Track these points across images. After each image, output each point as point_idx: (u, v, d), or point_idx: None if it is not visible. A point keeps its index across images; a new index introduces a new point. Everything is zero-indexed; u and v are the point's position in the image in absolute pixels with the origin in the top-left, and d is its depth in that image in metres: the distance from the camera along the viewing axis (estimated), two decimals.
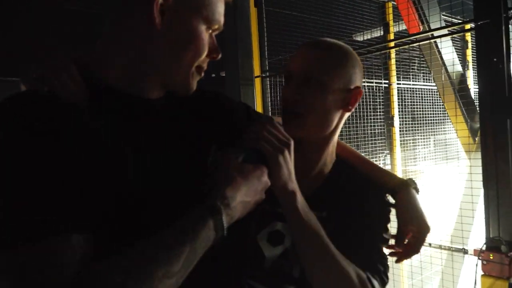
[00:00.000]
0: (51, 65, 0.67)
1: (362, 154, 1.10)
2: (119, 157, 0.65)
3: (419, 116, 4.27)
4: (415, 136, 4.26)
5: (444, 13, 3.03)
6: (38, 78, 0.64)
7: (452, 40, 3.23)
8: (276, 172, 0.76)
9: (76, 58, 0.70)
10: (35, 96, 0.63)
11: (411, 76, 4.19)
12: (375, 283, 0.83)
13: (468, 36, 4.43)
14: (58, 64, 0.67)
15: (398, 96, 3.92)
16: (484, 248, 1.81)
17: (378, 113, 3.83)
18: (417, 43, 2.86)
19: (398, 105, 3.89)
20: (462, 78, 3.21)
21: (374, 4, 3.82)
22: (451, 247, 2.21)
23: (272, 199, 0.77)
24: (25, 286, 0.54)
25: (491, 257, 1.78)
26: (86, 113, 0.65)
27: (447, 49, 3.02)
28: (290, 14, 3.30)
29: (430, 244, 2.25)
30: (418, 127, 4.28)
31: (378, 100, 3.83)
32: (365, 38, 3.74)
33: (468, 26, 2.23)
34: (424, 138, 4.38)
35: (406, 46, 3.14)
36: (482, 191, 2.31)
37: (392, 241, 0.96)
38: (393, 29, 3.74)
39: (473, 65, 4.43)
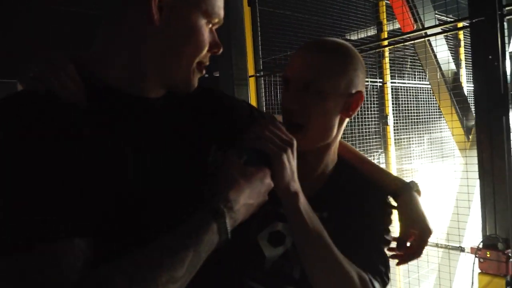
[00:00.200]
0: (49, 65, 0.65)
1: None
2: (119, 157, 0.65)
3: (413, 114, 4.28)
4: (410, 134, 4.27)
5: (437, 12, 3.04)
6: (36, 78, 0.63)
7: (445, 38, 3.24)
8: (279, 172, 0.74)
9: (74, 58, 0.69)
10: (34, 96, 0.62)
11: (406, 74, 4.20)
12: (376, 284, 0.82)
13: (461, 35, 4.45)
14: (56, 64, 0.66)
15: (392, 94, 3.93)
16: (481, 246, 1.81)
17: (373, 112, 3.84)
18: (411, 42, 2.86)
19: (392, 103, 3.90)
20: (456, 76, 3.23)
21: (368, 3, 3.82)
22: (448, 245, 2.21)
23: (273, 199, 0.76)
24: None
25: (488, 255, 1.78)
26: (85, 113, 0.64)
27: (440, 47, 3.03)
28: (283, 13, 3.29)
29: None
30: (412, 125, 4.29)
31: (372, 99, 3.83)
32: (359, 37, 3.74)
33: (460, 24, 2.24)
34: (418, 137, 4.39)
35: (400, 45, 3.15)
36: (476, 189, 2.32)
37: (393, 244, 0.95)
38: (386, 27, 3.74)
39: (466, 63, 4.46)
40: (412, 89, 4.31)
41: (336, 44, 0.91)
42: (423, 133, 4.44)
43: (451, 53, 3.50)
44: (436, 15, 3.04)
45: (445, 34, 3.23)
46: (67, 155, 0.58)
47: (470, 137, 3.01)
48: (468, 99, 3.20)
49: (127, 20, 0.68)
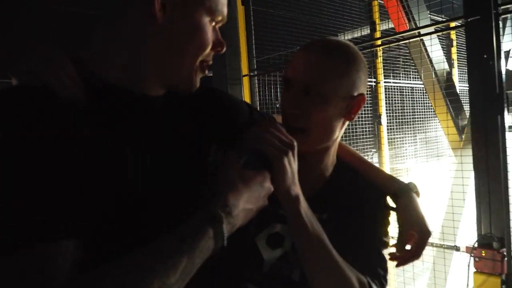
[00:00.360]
0: (48, 64, 0.63)
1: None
2: (119, 157, 0.63)
3: (406, 114, 4.30)
4: (403, 134, 4.29)
5: (430, 12, 3.05)
6: (31, 73, 0.61)
7: (437, 38, 3.25)
8: (280, 176, 0.73)
9: (74, 57, 0.68)
10: (31, 93, 0.60)
11: (401, 74, 4.21)
12: None
13: (453, 35, 4.48)
14: (56, 63, 0.64)
15: (386, 94, 3.94)
16: (476, 245, 1.82)
17: (366, 112, 3.84)
18: (404, 41, 2.87)
19: (386, 103, 3.90)
20: (449, 76, 3.24)
21: (361, 2, 3.83)
22: (443, 244, 2.22)
23: (272, 200, 0.74)
24: None
25: (483, 254, 1.79)
26: (85, 113, 0.62)
27: (434, 47, 3.04)
28: (277, 13, 3.28)
29: None
30: (405, 125, 4.31)
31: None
32: (352, 37, 3.74)
33: (453, 24, 2.24)
34: (411, 136, 4.41)
35: (393, 44, 3.16)
36: (469, 188, 2.33)
37: (392, 247, 0.94)
38: (379, 27, 3.75)
39: (458, 63, 4.49)
40: (406, 89, 4.33)
41: (339, 44, 0.88)
42: (415, 133, 4.46)
43: (443, 53, 3.51)
44: (430, 15, 3.05)
45: (438, 34, 3.24)
46: (67, 155, 0.57)
47: (463, 136, 3.02)
48: (461, 99, 3.22)
49: (127, 20, 0.67)
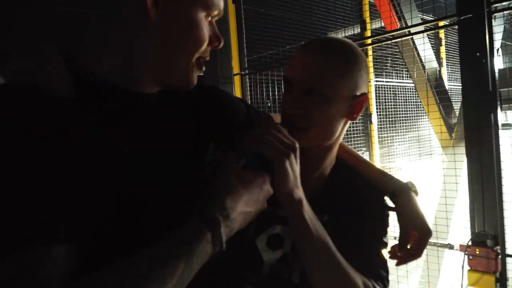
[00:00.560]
0: (33, 57, 0.61)
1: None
2: (117, 156, 0.62)
3: (398, 112, 4.32)
4: (393, 133, 4.30)
5: (419, 10, 3.06)
6: (20, 72, 0.59)
7: (426, 37, 3.27)
8: (282, 179, 0.70)
9: (68, 54, 0.65)
10: (26, 92, 0.58)
11: (392, 73, 4.23)
12: None
13: (442, 34, 4.52)
14: (42, 56, 0.61)
15: (376, 93, 3.94)
16: (470, 243, 1.82)
17: None
18: (395, 40, 2.87)
19: (376, 102, 3.91)
20: (439, 74, 3.26)
21: (352, 1, 3.83)
22: (437, 242, 2.22)
23: (271, 201, 0.72)
24: None
25: (477, 252, 1.79)
26: (82, 112, 0.60)
27: (424, 46, 3.05)
28: (268, 11, 3.27)
29: None
30: (396, 123, 4.33)
31: None
32: (342, 36, 3.74)
33: (442, 23, 2.25)
34: (402, 135, 4.43)
35: (383, 43, 3.16)
36: (462, 186, 2.34)
37: (391, 247, 0.92)
38: (369, 26, 3.75)
39: (447, 62, 4.53)
40: (396, 88, 4.35)
41: (339, 43, 0.86)
42: (406, 131, 4.48)
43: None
44: (420, 14, 3.06)
45: (428, 32, 3.25)
46: (63, 155, 0.55)
47: (453, 134, 3.04)
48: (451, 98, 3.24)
49: (121, 17, 0.65)
